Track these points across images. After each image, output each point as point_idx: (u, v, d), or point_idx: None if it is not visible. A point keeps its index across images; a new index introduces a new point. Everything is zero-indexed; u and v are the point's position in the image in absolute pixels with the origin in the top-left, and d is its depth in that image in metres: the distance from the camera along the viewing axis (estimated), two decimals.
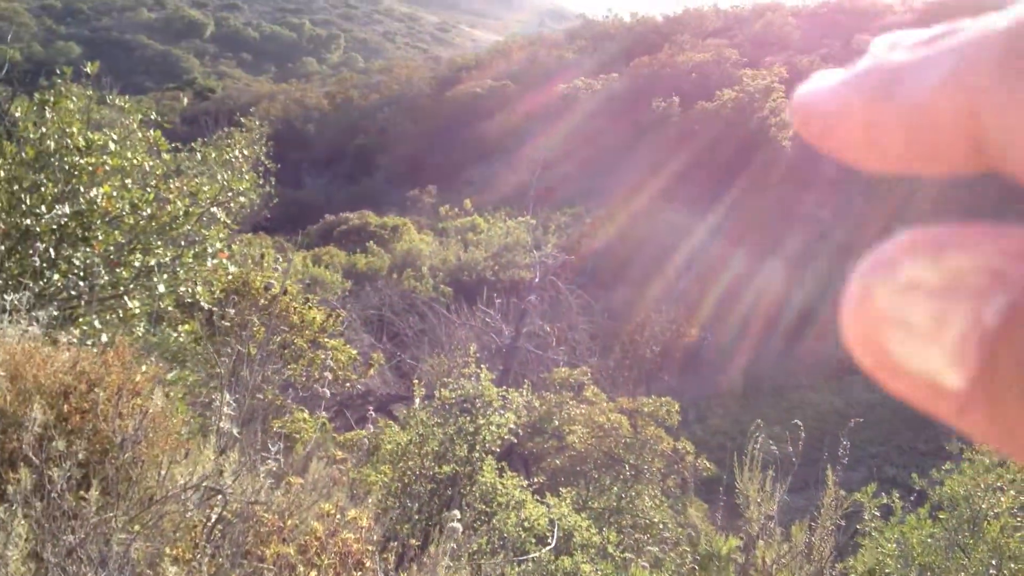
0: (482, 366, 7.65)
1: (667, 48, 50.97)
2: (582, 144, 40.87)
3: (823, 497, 5.43)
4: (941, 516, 7.34)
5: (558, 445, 11.28)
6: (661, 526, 9.69)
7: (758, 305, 26.59)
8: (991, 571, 6.43)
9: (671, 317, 25.04)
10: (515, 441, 8.72)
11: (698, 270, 29.16)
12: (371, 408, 9.81)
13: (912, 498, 7.83)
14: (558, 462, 10.99)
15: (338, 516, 2.94)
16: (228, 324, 6.22)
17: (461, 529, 3.40)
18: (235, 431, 3.25)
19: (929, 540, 7.16)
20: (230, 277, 6.99)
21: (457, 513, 3.50)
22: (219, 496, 2.85)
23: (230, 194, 6.52)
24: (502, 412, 7.18)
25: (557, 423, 11.39)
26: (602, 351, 20.85)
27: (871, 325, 0.26)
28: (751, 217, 32.10)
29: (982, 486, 7.12)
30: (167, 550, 2.67)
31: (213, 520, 2.84)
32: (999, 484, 7.13)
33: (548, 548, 6.56)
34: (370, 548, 2.97)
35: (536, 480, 8.87)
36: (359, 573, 2.80)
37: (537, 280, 18.49)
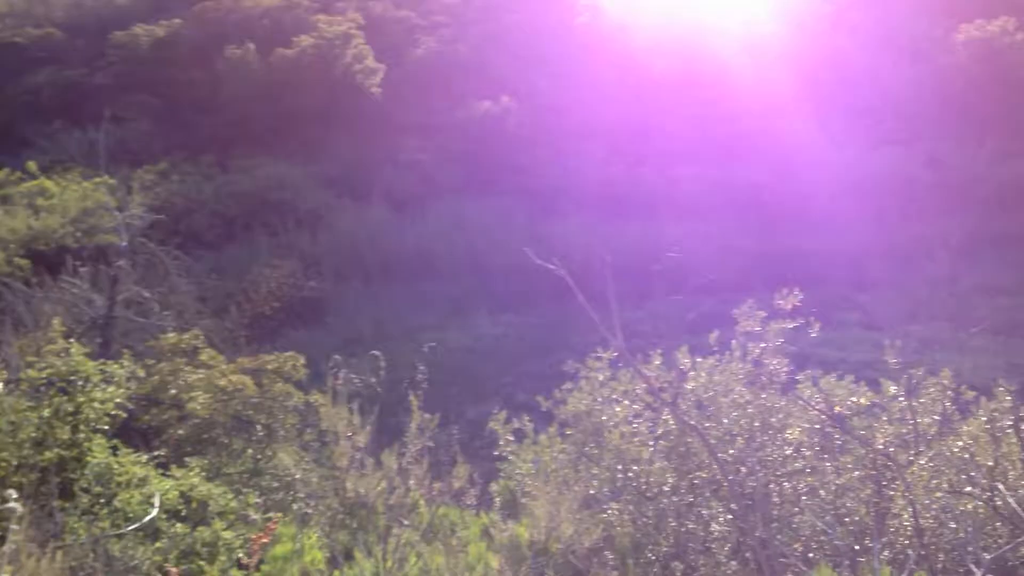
0: (76, 340, 7.61)
1: None
2: (155, 96, 37.74)
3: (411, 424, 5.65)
4: (568, 432, 7.88)
5: (179, 414, 10.80)
6: (303, 482, 9.43)
7: (374, 251, 26.85)
8: (618, 476, 7.01)
9: (287, 271, 24.80)
10: (127, 416, 8.33)
11: (308, 221, 28.80)
12: None
13: (534, 418, 8.16)
14: (181, 432, 10.51)
15: None
16: None
17: (19, 509, 3.20)
18: None
19: (560, 455, 7.73)
20: None
21: (12, 492, 3.25)
22: None
23: None
24: (104, 387, 7.07)
25: (174, 392, 10.97)
26: (215, 313, 19.96)
27: None
28: (352, 164, 32.10)
29: (599, 400, 7.75)
30: None
31: None
32: (614, 397, 7.79)
33: (150, 517, 6.32)
34: None
35: (158, 453, 8.40)
36: None
37: (125, 244, 17.20)
